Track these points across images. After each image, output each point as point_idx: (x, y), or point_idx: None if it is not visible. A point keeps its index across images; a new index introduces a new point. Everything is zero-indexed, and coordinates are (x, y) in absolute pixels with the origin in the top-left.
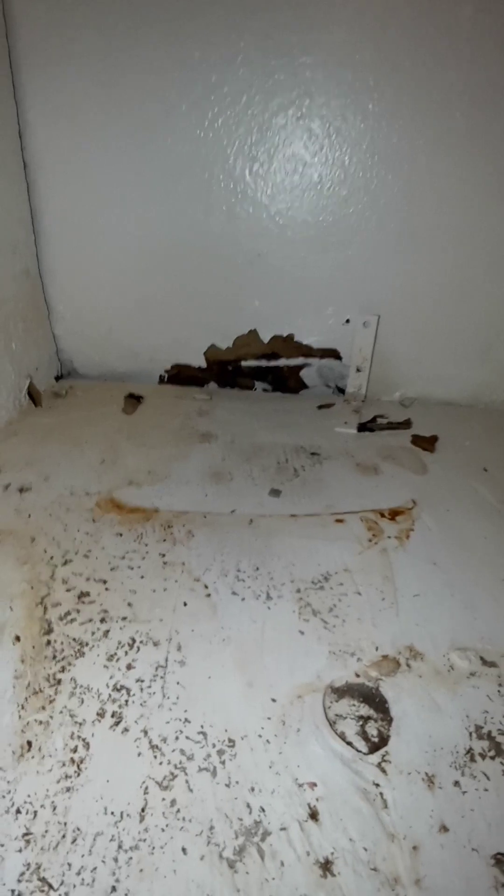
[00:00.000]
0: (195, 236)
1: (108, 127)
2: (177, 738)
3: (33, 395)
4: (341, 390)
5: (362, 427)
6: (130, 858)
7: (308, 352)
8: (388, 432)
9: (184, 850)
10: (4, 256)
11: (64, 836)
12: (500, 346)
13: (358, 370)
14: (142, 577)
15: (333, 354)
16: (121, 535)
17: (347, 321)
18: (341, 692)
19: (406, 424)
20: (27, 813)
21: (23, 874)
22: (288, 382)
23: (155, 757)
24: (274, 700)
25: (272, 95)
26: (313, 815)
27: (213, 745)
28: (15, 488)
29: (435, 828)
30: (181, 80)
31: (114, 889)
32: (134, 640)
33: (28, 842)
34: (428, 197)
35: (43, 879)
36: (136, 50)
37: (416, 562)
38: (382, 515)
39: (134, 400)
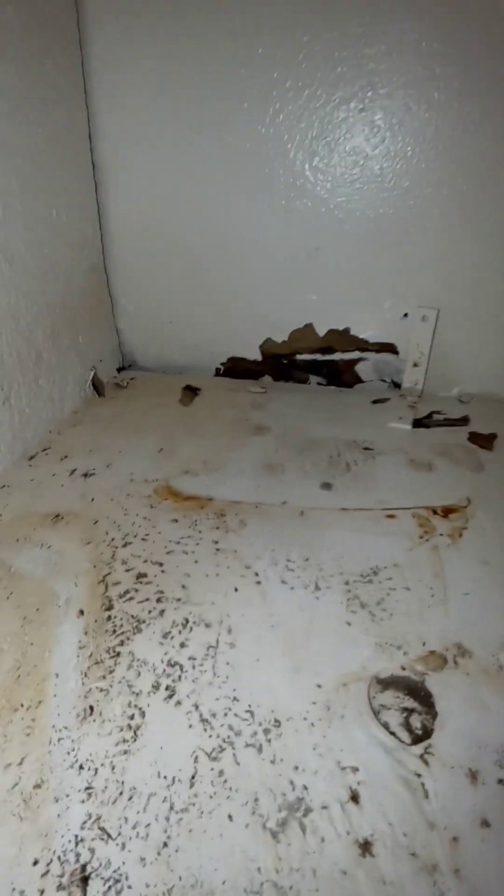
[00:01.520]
0: (254, 231)
1: (172, 126)
2: (225, 714)
3: (97, 386)
4: (397, 385)
5: (417, 423)
6: (181, 819)
7: (364, 346)
8: (445, 429)
9: (230, 817)
10: (74, 254)
11: (121, 794)
12: None
13: (415, 365)
14: (195, 561)
15: (390, 349)
16: (176, 521)
17: (405, 315)
18: (386, 683)
19: (463, 421)
20: (89, 770)
21: (85, 823)
22: (343, 376)
23: (205, 730)
24: (319, 686)
25: (334, 89)
26: (354, 798)
27: (260, 724)
28: (80, 474)
29: (476, 822)
30: (244, 77)
31: (165, 845)
32: (187, 621)
33: (90, 795)
34: (494, 187)
35: (102, 829)
36: (200, 51)
37: (468, 561)
38: (435, 512)
39: (191, 392)
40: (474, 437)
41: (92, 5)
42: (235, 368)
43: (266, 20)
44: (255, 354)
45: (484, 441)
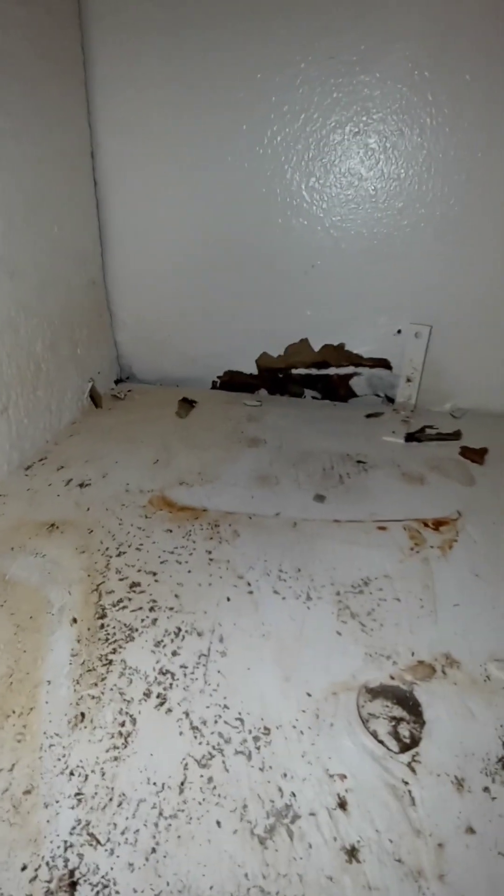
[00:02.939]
0: (251, 248)
1: (172, 146)
2: (216, 721)
3: (94, 398)
4: (391, 400)
5: (410, 437)
6: (169, 825)
7: (358, 361)
8: (437, 443)
9: (218, 823)
10: (75, 267)
11: (111, 800)
12: None
13: (408, 380)
14: (189, 571)
15: (384, 364)
16: (171, 531)
17: (399, 332)
18: (375, 693)
19: (455, 436)
20: (79, 776)
21: (74, 828)
22: (338, 391)
23: (195, 737)
24: (309, 694)
25: (330, 113)
26: (342, 805)
27: (250, 732)
28: (76, 483)
29: (462, 828)
30: (244, 100)
31: (153, 850)
32: (180, 630)
33: (79, 801)
34: (485, 208)
35: (91, 835)
36: (201, 73)
37: (458, 572)
38: (426, 525)
39: (187, 404)
40: (466, 452)
41: (96, 28)
42: (232, 382)
43: (266, 47)
44: (251, 368)
45: (475, 455)
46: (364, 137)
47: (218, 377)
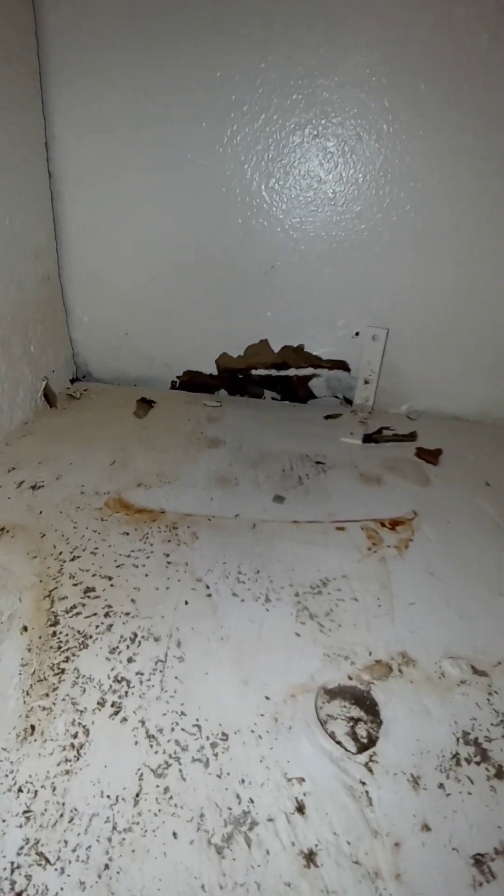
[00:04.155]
0: (211, 247)
1: (131, 140)
2: (172, 729)
3: (49, 397)
4: (349, 401)
5: (368, 438)
6: (123, 839)
7: (317, 362)
8: (394, 444)
9: (174, 834)
10: (27, 262)
11: (62, 816)
12: None
13: (366, 382)
14: (146, 575)
15: (342, 366)
16: (127, 534)
17: (357, 334)
18: (333, 693)
19: (411, 437)
20: (28, 792)
21: (22, 848)
22: (297, 392)
23: (151, 746)
24: (268, 698)
25: (290, 114)
26: (300, 809)
27: (207, 738)
28: (28, 486)
29: (417, 826)
30: (203, 98)
31: (106, 867)
32: (136, 635)
33: (28, 819)
34: (440, 215)
35: (41, 854)
36: (160, 68)
37: (413, 571)
38: (383, 525)
39: (146, 404)
40: (421, 453)
41: (51, 16)
42: (191, 382)
43: (225, 44)
44: (211, 368)
45: (430, 456)
46: (323, 140)
47: (177, 377)
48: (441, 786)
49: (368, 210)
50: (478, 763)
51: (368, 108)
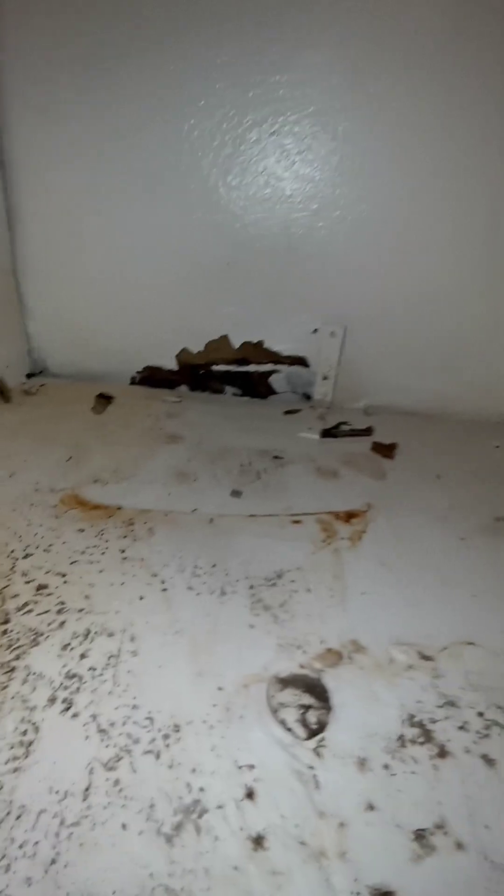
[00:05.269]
0: (170, 242)
1: (89, 131)
2: (124, 723)
3: (3, 392)
4: (308, 397)
5: (325, 433)
6: (72, 833)
7: (277, 358)
8: (351, 439)
9: (124, 826)
10: None
11: (9, 813)
12: (460, 359)
13: (324, 378)
14: (101, 571)
15: (301, 362)
16: (83, 530)
17: (315, 331)
18: (285, 682)
19: (368, 432)
20: None
21: None
22: (257, 387)
23: (102, 740)
24: (221, 689)
25: (247, 111)
26: (249, 795)
27: (159, 730)
28: None
29: (362, 806)
30: (160, 90)
31: (53, 861)
32: (89, 631)
33: None
34: (394, 214)
35: None
36: (117, 59)
37: (366, 562)
38: (338, 517)
39: (104, 400)
40: (377, 447)
41: (6, 2)
42: (151, 377)
43: (181, 39)
44: (171, 364)
45: (385, 451)
46: (280, 138)
47: (137, 372)
48: (386, 767)
49: (326, 208)
50: (422, 744)
51: (324, 107)
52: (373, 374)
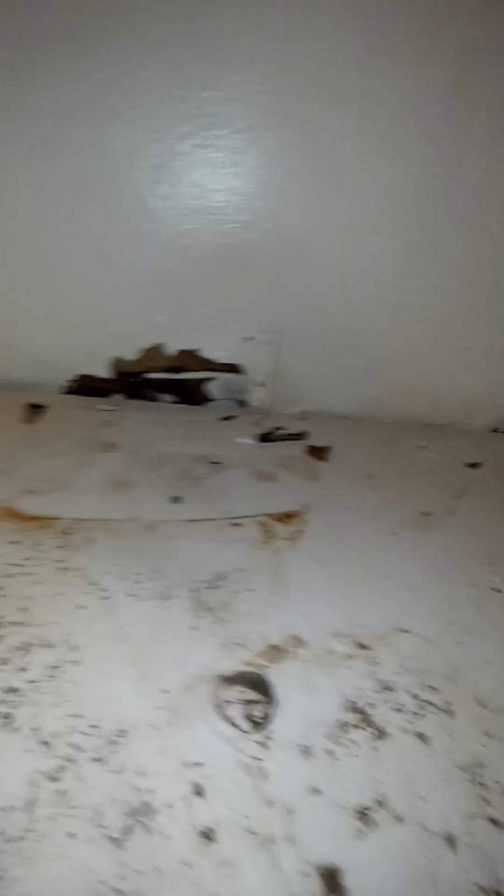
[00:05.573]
0: (101, 250)
1: (15, 138)
2: (68, 732)
3: None
4: (245, 403)
5: (262, 438)
6: (18, 848)
7: (213, 366)
8: (286, 443)
9: (72, 835)
10: None
11: None
12: (388, 365)
13: (260, 385)
14: (38, 583)
15: (237, 369)
16: (18, 542)
17: (250, 338)
18: (230, 680)
19: (303, 436)
20: None
21: None
22: (193, 395)
23: (45, 752)
24: (166, 691)
25: (177, 123)
26: (198, 792)
27: (105, 737)
28: None
29: (308, 792)
30: (88, 100)
31: (1, 878)
32: (29, 644)
33: None
34: (321, 226)
35: None
36: (42, 66)
37: (304, 560)
38: (276, 519)
39: (35, 409)
40: (312, 450)
41: None
42: (85, 386)
43: (109, 47)
44: (105, 372)
45: (320, 453)
46: (208, 151)
47: (70, 381)
48: (329, 752)
49: (256, 220)
50: (362, 727)
51: (251, 123)
52: (307, 380)
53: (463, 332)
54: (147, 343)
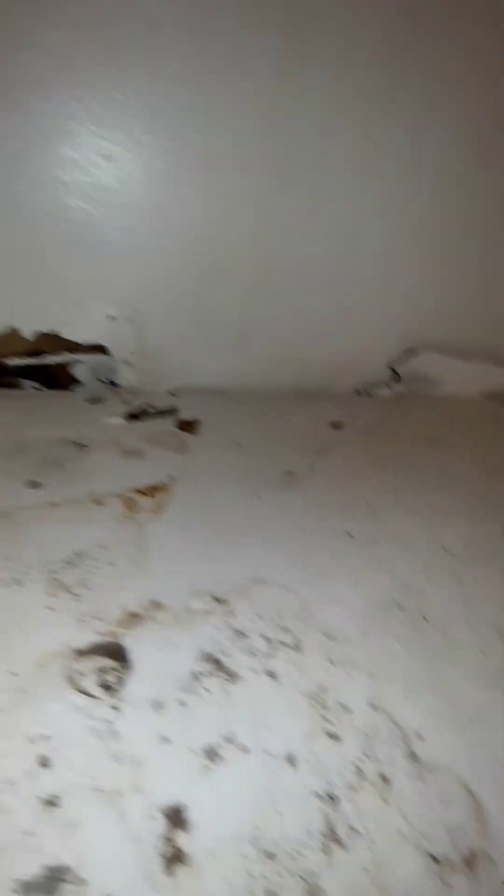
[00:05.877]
0: None
1: None
2: None
3: None
4: (114, 384)
5: (131, 417)
6: None
7: (76, 348)
8: (156, 420)
9: None
10: None
11: None
12: (252, 337)
13: (127, 364)
14: None
15: (101, 350)
16: None
17: (111, 317)
18: (84, 652)
19: (172, 411)
20: None
21: None
22: (58, 379)
23: None
24: (15, 674)
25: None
26: (44, 763)
27: None
28: None
29: (157, 742)
30: None
31: None
32: None
33: None
34: (173, 200)
35: None
36: None
37: (168, 529)
38: (142, 493)
39: None
40: (181, 425)
41: None
42: None
43: None
44: None
45: (189, 427)
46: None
47: None
48: (181, 702)
49: (106, 194)
50: (216, 676)
51: (102, 102)
52: (176, 356)
53: (323, 301)
54: (0, 327)
